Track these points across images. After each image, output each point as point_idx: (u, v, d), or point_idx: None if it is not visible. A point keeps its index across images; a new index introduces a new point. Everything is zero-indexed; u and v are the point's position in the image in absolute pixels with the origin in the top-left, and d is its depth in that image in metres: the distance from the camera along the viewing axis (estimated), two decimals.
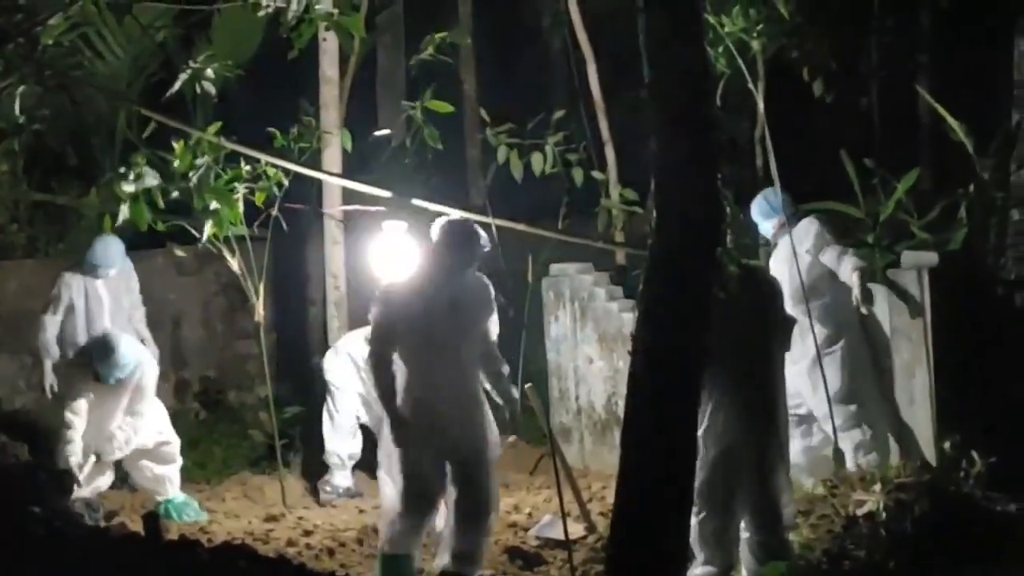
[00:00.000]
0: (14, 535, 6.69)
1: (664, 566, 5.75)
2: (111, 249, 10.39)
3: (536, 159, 10.78)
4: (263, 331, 10.23)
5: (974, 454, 8.18)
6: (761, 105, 9.50)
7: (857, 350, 8.93)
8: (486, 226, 8.30)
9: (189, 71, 9.35)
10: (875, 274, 9.05)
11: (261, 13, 8.96)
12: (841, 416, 8.73)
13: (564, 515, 7.83)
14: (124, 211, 9.19)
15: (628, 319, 9.75)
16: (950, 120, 10.03)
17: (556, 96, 15.28)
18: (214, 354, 12.45)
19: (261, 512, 9.85)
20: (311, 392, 11.73)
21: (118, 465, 9.70)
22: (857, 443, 8.82)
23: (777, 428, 7.34)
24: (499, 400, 7.89)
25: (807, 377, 8.78)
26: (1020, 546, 7.61)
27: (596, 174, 11.40)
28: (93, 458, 9.41)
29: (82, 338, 10.40)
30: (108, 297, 10.55)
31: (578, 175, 11.05)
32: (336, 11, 9.10)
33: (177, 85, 9.39)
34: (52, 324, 10.45)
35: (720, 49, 9.62)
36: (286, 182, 9.55)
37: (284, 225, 9.75)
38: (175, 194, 9.31)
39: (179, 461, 9.77)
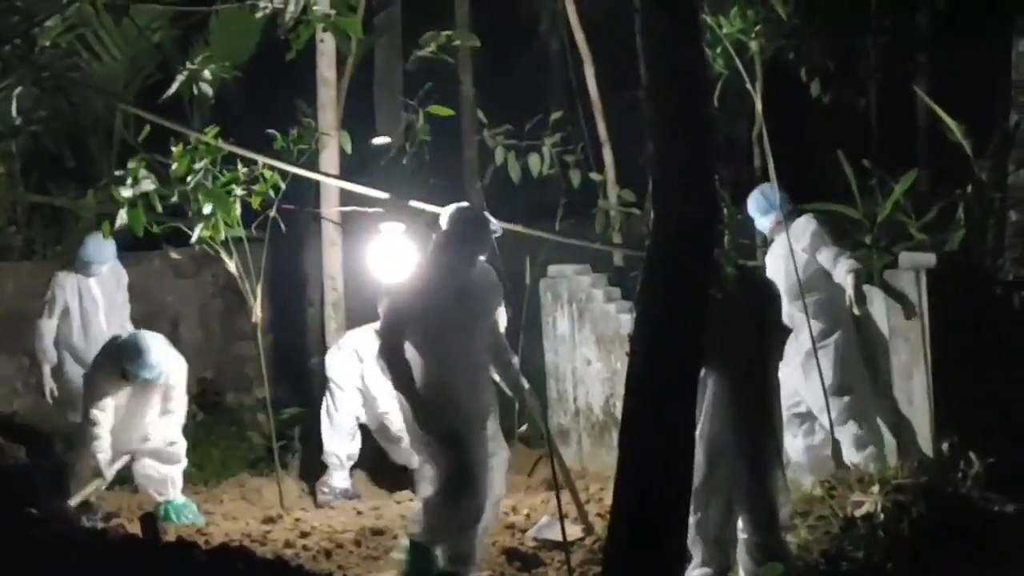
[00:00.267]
0: (11, 537, 6.68)
1: (662, 567, 5.75)
2: (104, 245, 10.37)
3: (533, 160, 10.81)
4: (261, 333, 10.22)
5: (972, 455, 8.18)
6: (759, 106, 9.50)
7: (850, 345, 8.95)
8: None
9: (186, 72, 9.34)
10: (872, 275, 9.06)
11: (258, 14, 8.97)
12: (835, 409, 8.75)
13: (562, 516, 7.81)
14: (122, 216, 9.18)
15: (626, 320, 9.76)
16: (948, 121, 10.03)
17: (553, 97, 15.28)
18: (212, 356, 12.44)
19: (259, 514, 9.84)
20: (309, 393, 11.74)
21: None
22: (852, 437, 8.82)
23: (773, 429, 7.34)
24: (508, 391, 7.92)
25: (801, 370, 8.78)
26: (1018, 547, 7.61)
27: (594, 175, 11.41)
28: (127, 457, 9.46)
29: (78, 339, 10.40)
30: (102, 296, 10.55)
31: (575, 176, 11.07)
32: (333, 12, 9.09)
33: (174, 87, 9.38)
34: (48, 329, 10.45)
35: (718, 50, 9.62)
36: (283, 185, 9.54)
37: (282, 227, 9.75)
38: (175, 198, 9.30)
39: (184, 462, 9.77)
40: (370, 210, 9.77)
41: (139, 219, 9.16)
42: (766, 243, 9.46)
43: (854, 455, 8.78)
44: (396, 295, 7.69)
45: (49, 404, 10.68)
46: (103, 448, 9.32)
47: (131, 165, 9.20)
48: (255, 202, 9.45)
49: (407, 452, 10.14)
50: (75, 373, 10.31)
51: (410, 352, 7.59)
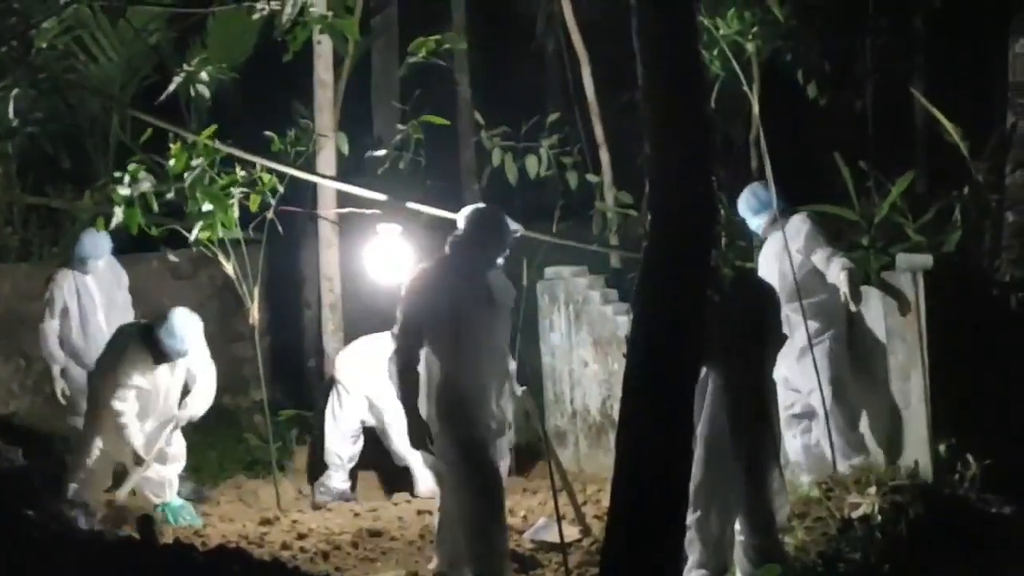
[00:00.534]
0: (9, 538, 6.68)
1: (659, 569, 5.74)
2: (99, 239, 10.33)
3: (530, 162, 10.77)
4: (258, 334, 10.21)
5: (969, 456, 8.18)
6: (756, 107, 9.50)
7: (840, 349, 8.94)
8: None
9: (183, 74, 9.34)
10: (869, 276, 9.06)
11: (255, 16, 8.96)
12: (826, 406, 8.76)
13: (559, 518, 7.81)
14: (118, 214, 9.17)
15: (623, 322, 9.75)
16: (945, 122, 10.04)
17: (550, 99, 15.32)
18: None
19: (256, 516, 9.84)
20: (306, 395, 11.74)
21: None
22: (840, 441, 8.81)
23: (771, 430, 7.35)
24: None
25: (796, 364, 8.75)
26: (1015, 548, 7.62)
27: (591, 177, 11.38)
28: (165, 434, 9.52)
29: (78, 338, 10.37)
30: (99, 294, 10.53)
31: (573, 178, 11.03)
32: (330, 14, 9.10)
33: (171, 88, 9.38)
34: (52, 330, 10.41)
35: (715, 52, 9.61)
36: (281, 188, 9.54)
37: (279, 229, 9.74)
38: (170, 196, 9.29)
39: (182, 463, 9.76)
40: (367, 212, 9.76)
41: (135, 217, 9.16)
42: (762, 243, 9.45)
43: (840, 459, 8.76)
44: (414, 297, 7.45)
45: (57, 405, 10.62)
46: (135, 434, 9.32)
47: (131, 167, 9.19)
48: (253, 204, 9.45)
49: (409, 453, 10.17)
50: (77, 374, 10.28)
51: (427, 356, 7.41)
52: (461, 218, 7.67)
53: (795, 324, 8.58)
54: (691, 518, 7.11)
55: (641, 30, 5.72)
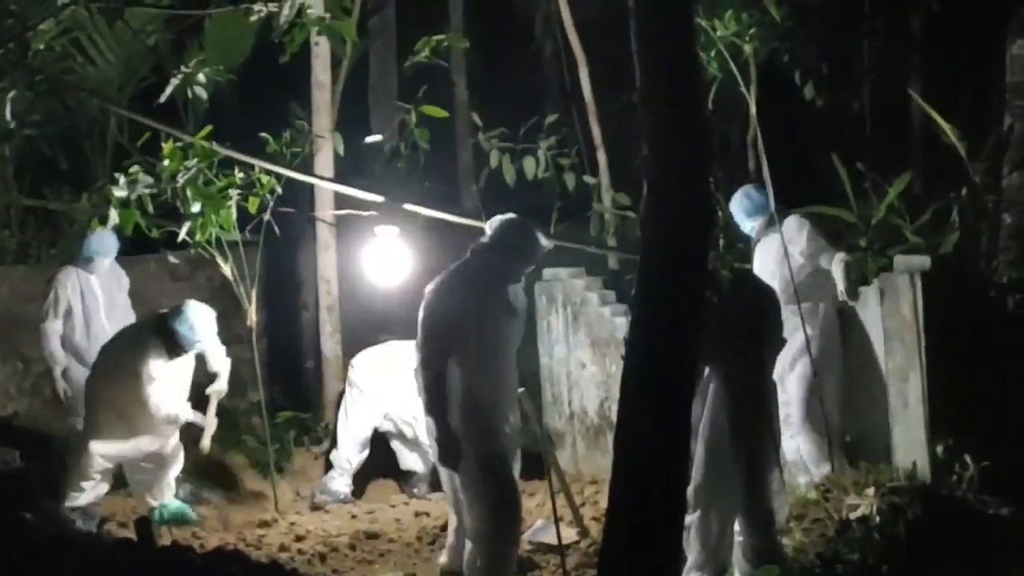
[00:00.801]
0: (6, 540, 6.68)
1: (658, 570, 5.74)
2: (106, 237, 10.30)
3: (528, 163, 10.81)
4: (255, 336, 10.21)
5: (967, 458, 8.18)
6: (753, 109, 9.50)
7: (832, 359, 8.95)
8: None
9: (180, 76, 9.33)
10: (867, 278, 9.06)
11: (253, 18, 8.95)
12: (798, 414, 8.77)
13: (557, 520, 7.82)
14: (114, 216, 9.16)
15: (621, 324, 9.75)
16: (942, 123, 10.04)
17: (548, 100, 15.32)
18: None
19: (254, 518, 9.84)
20: (303, 397, 11.74)
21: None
22: (809, 446, 8.80)
23: (771, 432, 7.35)
24: None
25: (788, 368, 8.74)
26: (1013, 549, 7.62)
27: (588, 178, 11.42)
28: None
29: (80, 338, 10.36)
30: (102, 294, 10.52)
31: (570, 179, 11.07)
32: (328, 16, 9.09)
33: (169, 90, 9.37)
34: (54, 331, 10.38)
35: (712, 53, 9.62)
36: (279, 190, 9.53)
37: (276, 230, 9.74)
38: (167, 197, 9.28)
39: (180, 465, 9.75)
40: (365, 213, 9.76)
41: (130, 218, 9.15)
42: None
43: (810, 464, 8.76)
44: (437, 306, 7.23)
45: (55, 407, 10.62)
46: (178, 408, 9.36)
47: (131, 170, 9.18)
48: (252, 206, 9.44)
49: (419, 456, 10.17)
50: (78, 375, 10.26)
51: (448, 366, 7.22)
52: (490, 226, 7.52)
53: (793, 327, 8.56)
54: (691, 519, 7.12)
55: (639, 31, 5.71)
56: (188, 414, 9.44)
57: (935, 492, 8.15)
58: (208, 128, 9.29)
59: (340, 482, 10.27)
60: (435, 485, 10.08)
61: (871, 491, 8.10)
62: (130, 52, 12.94)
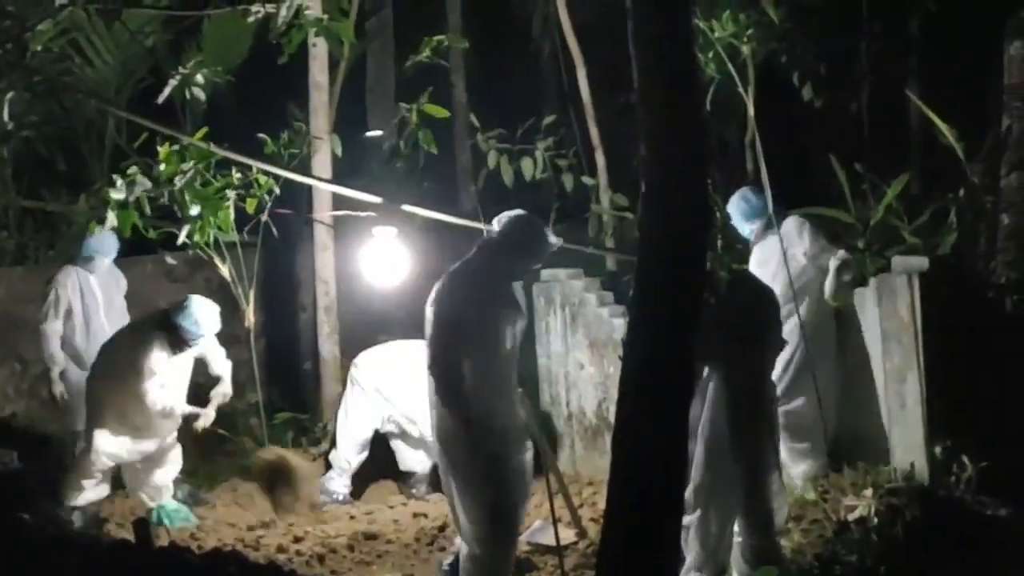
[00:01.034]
0: (4, 541, 6.68)
1: (656, 571, 5.74)
2: (107, 236, 10.28)
3: (526, 164, 10.79)
4: (253, 337, 10.21)
5: (965, 458, 8.19)
6: (751, 110, 9.50)
7: (827, 360, 8.96)
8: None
9: (179, 77, 9.33)
10: (865, 278, 9.06)
11: (250, 19, 8.95)
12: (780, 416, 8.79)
13: (555, 521, 7.81)
14: (111, 217, 9.16)
15: (619, 325, 9.76)
16: (940, 124, 10.05)
17: (546, 101, 15.30)
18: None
19: (252, 519, 9.83)
20: (301, 398, 11.73)
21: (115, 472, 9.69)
22: (791, 448, 8.79)
23: (771, 433, 7.35)
24: None
25: (782, 371, 8.75)
26: (1011, 550, 7.62)
27: (586, 179, 11.41)
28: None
29: (80, 339, 10.34)
30: (101, 295, 10.51)
31: (568, 180, 11.06)
32: (326, 17, 9.09)
33: (167, 91, 9.36)
34: (55, 331, 10.35)
35: (710, 54, 9.62)
36: (277, 190, 9.53)
37: (274, 231, 9.74)
38: (164, 199, 9.28)
39: (179, 466, 9.75)
40: (363, 214, 9.76)
41: (128, 219, 9.14)
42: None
43: (791, 467, 8.75)
44: (446, 303, 7.12)
45: (53, 408, 10.60)
46: (175, 404, 9.38)
47: (129, 171, 9.18)
48: (250, 207, 9.44)
49: (419, 456, 10.16)
50: (76, 377, 10.25)
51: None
52: (498, 222, 7.42)
53: (791, 329, 8.57)
54: (690, 519, 7.12)
55: (637, 32, 5.71)
56: (184, 408, 9.44)
57: (933, 493, 8.16)
58: (205, 129, 9.29)
59: (339, 482, 10.26)
60: (434, 485, 10.09)
61: (869, 492, 8.11)
62: (128, 53, 12.94)
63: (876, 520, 7.81)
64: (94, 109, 12.75)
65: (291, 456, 10.16)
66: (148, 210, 9.26)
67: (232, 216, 9.40)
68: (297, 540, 9.26)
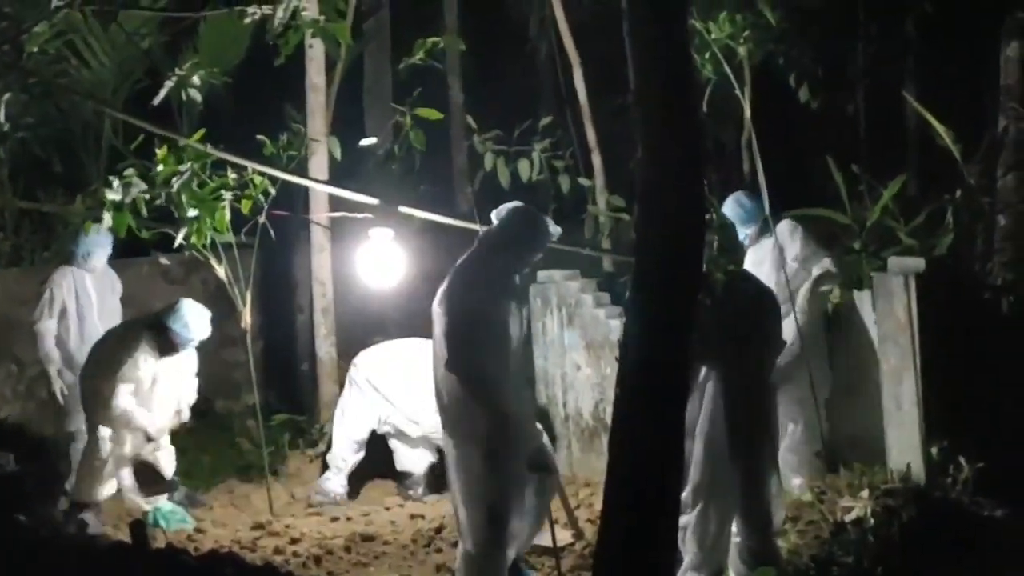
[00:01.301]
0: (0, 545, 6.67)
1: (652, 572, 5.74)
2: (101, 235, 10.26)
3: (523, 166, 10.79)
4: (250, 338, 10.21)
5: (961, 459, 8.18)
6: (748, 111, 9.51)
7: (822, 365, 8.97)
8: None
9: (175, 78, 9.32)
10: (862, 281, 9.07)
11: (247, 20, 8.94)
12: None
13: (552, 522, 7.81)
14: (107, 218, 9.15)
15: (615, 326, 9.75)
16: (936, 125, 10.05)
17: (543, 102, 15.30)
18: (201, 362, 12.39)
19: (248, 520, 9.83)
20: (298, 399, 11.73)
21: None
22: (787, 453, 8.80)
23: (770, 434, 7.35)
24: None
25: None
26: (1008, 551, 7.62)
27: (583, 181, 11.41)
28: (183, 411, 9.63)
29: (75, 339, 10.32)
30: (96, 295, 10.49)
31: (565, 182, 11.05)
32: (322, 18, 9.08)
33: (163, 92, 9.35)
34: (49, 330, 10.32)
35: (707, 55, 9.63)
36: (273, 191, 9.52)
37: (271, 233, 9.73)
38: (160, 200, 9.27)
39: (173, 466, 9.73)
40: (359, 216, 9.75)
41: (124, 221, 9.13)
42: None
43: (788, 474, 8.75)
44: (457, 299, 7.03)
45: (50, 410, 10.58)
46: (143, 417, 9.34)
47: (126, 172, 9.17)
48: (245, 208, 9.43)
49: (417, 457, 10.15)
50: (69, 378, 10.23)
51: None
52: (497, 216, 7.35)
53: (789, 329, 8.57)
54: (688, 519, 7.12)
55: (633, 33, 5.71)
56: (143, 422, 9.37)
57: (929, 494, 8.15)
58: (202, 131, 9.28)
59: (336, 482, 10.26)
60: (431, 487, 10.10)
61: (865, 493, 8.11)
62: (124, 55, 12.93)
63: (873, 521, 7.81)
64: (90, 110, 12.75)
65: None
66: (144, 212, 9.25)
67: (228, 217, 9.38)
68: (294, 541, 9.25)
